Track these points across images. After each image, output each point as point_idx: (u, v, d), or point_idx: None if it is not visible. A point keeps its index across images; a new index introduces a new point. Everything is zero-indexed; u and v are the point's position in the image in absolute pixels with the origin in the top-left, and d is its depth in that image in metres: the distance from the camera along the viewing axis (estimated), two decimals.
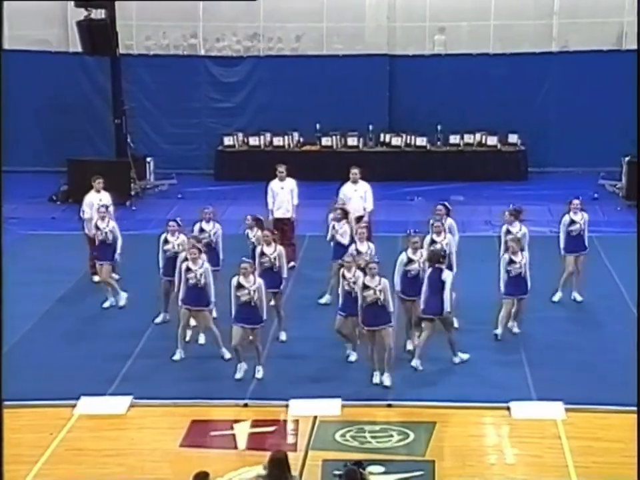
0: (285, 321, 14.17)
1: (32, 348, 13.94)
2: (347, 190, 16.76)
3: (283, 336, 14.08)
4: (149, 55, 24.18)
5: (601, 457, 11.01)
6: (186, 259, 13.47)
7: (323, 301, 15.10)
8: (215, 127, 23.78)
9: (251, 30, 24.65)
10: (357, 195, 16.69)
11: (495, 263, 14.17)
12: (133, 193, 21.58)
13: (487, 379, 12.89)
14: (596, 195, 21.12)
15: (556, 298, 15.26)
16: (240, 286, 12.71)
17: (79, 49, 21.96)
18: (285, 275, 14.21)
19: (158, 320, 14.67)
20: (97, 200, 16.34)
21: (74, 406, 12.08)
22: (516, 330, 14.09)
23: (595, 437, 11.49)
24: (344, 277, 13.03)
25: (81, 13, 21.29)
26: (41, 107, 23.35)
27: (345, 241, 14.82)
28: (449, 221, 14.83)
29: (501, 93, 23.10)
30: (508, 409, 11.98)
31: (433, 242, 14.15)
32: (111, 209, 16.31)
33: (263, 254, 13.93)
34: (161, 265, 14.62)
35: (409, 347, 13.49)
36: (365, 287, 12.59)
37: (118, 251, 15.33)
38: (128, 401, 12.23)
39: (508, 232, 14.75)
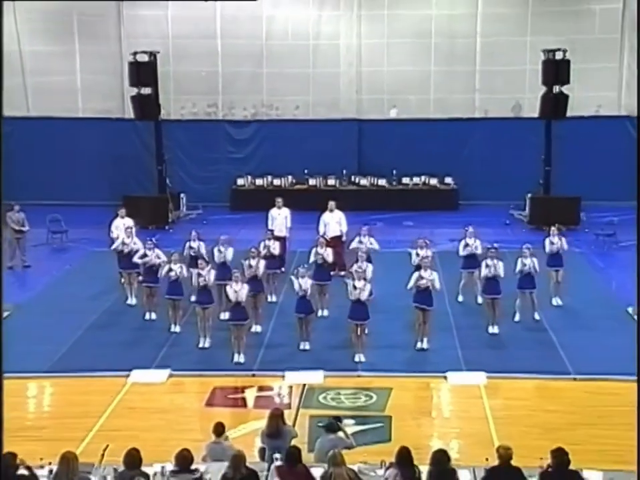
0: (261, 317, 13.91)
1: (98, 333, 13.90)
2: (326, 217, 16.72)
3: (258, 328, 13.71)
4: (182, 120, 24.16)
5: (511, 411, 11.08)
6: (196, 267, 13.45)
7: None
8: (230, 172, 23.71)
9: (257, 101, 24.66)
10: (334, 221, 16.62)
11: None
12: (170, 220, 21.50)
13: (430, 355, 12.91)
14: (507, 222, 21.20)
15: (554, 302, 14.90)
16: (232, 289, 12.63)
17: (132, 116, 21.95)
18: (264, 281, 14.29)
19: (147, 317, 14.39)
20: (121, 224, 16.09)
21: (128, 376, 12.09)
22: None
23: (507, 397, 11.55)
24: (300, 285, 12.85)
25: (134, 90, 21.30)
26: (105, 158, 23.29)
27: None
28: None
29: (439, 147, 23.12)
30: (445, 377, 12.03)
31: (417, 255, 14.11)
32: (133, 230, 15.76)
33: (250, 265, 13.72)
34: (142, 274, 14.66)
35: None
36: (354, 288, 12.58)
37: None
38: (167, 373, 12.24)
39: (466, 245, 14.78)
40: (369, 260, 14.03)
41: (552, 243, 14.88)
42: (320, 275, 14.25)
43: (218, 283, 13.87)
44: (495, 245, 14.11)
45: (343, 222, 16.65)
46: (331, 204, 16.81)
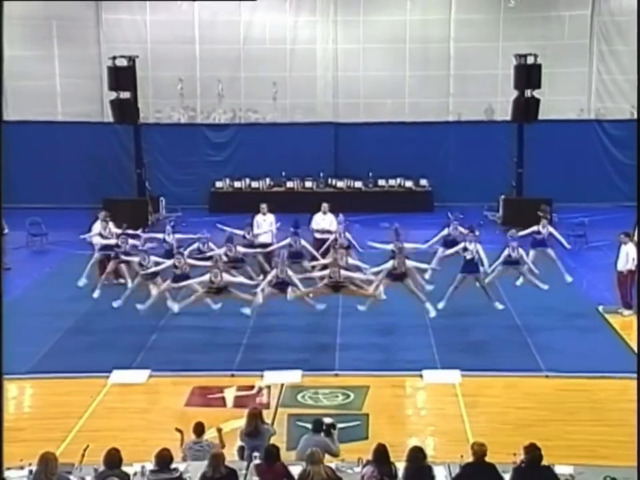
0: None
1: (78, 335, 13.82)
2: (318, 218, 16.86)
3: (248, 311, 13.42)
4: (160, 124, 24.07)
5: (484, 408, 11.16)
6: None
7: None
8: (209, 174, 23.66)
9: (235, 105, 24.62)
10: (325, 223, 16.78)
11: None
12: (149, 222, 21.38)
13: (405, 354, 12.95)
14: (482, 222, 21.12)
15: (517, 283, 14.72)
16: (212, 282, 12.86)
17: (112, 120, 21.84)
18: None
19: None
20: (99, 226, 15.95)
21: (108, 377, 12.04)
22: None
23: (481, 394, 11.62)
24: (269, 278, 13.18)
25: (113, 94, 21.22)
26: (85, 162, 23.16)
27: None
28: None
29: (414, 149, 23.20)
30: (421, 375, 12.08)
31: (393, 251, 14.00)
32: (112, 229, 15.70)
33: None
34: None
35: None
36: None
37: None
38: (147, 373, 12.21)
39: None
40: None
41: (539, 232, 14.89)
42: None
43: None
44: (476, 231, 14.12)
45: (334, 225, 16.66)
46: (324, 206, 16.88)
